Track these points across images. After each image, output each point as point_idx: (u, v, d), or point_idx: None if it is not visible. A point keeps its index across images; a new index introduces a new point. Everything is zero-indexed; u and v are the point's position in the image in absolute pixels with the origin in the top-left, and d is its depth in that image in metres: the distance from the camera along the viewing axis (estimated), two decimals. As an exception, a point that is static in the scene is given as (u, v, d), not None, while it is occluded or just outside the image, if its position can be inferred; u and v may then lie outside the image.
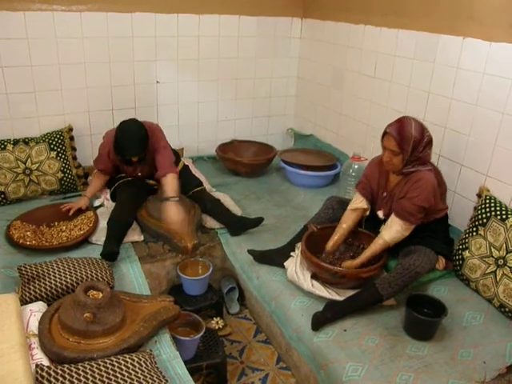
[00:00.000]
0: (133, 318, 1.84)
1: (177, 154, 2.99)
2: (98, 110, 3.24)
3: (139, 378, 1.53)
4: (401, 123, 2.17)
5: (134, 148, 2.55)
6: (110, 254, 2.35)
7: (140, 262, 2.44)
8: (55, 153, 2.96)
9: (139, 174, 2.82)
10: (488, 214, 2.26)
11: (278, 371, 2.32)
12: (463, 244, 2.34)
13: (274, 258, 2.47)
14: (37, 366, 1.53)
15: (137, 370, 1.57)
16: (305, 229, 2.49)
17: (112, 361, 1.59)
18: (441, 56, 2.61)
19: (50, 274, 2.01)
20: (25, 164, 2.86)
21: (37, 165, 2.89)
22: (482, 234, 2.26)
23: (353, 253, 2.42)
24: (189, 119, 3.66)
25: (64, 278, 1.99)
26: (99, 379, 1.50)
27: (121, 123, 2.61)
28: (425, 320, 1.96)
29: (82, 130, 3.22)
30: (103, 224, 2.60)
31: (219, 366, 2.18)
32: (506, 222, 2.17)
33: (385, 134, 2.21)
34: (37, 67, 2.95)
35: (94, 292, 1.80)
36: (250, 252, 2.51)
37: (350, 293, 2.17)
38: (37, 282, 1.98)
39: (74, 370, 1.53)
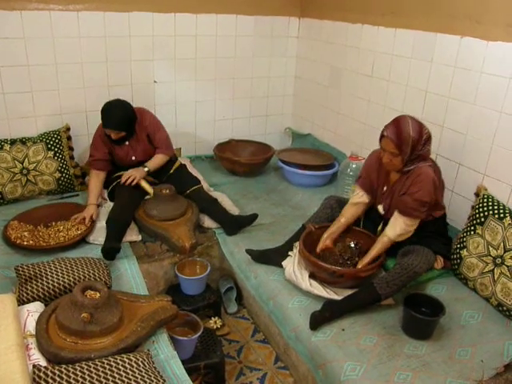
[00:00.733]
0: (130, 318, 1.83)
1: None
2: (96, 109, 3.20)
3: (137, 378, 1.53)
4: (398, 124, 2.14)
5: (113, 121, 2.66)
6: (111, 249, 2.34)
7: (138, 262, 2.43)
8: (52, 152, 2.95)
9: (133, 158, 2.83)
10: (486, 213, 2.26)
11: (276, 371, 2.32)
12: (461, 243, 2.34)
13: (272, 257, 2.47)
14: (34, 366, 1.52)
15: (134, 370, 1.56)
16: (303, 228, 2.49)
17: (109, 361, 1.59)
18: (438, 55, 2.61)
19: (47, 274, 2.00)
20: (22, 164, 2.85)
21: (34, 165, 2.89)
22: (480, 232, 2.26)
23: (351, 254, 2.41)
24: (186, 119, 3.65)
25: (61, 278, 1.99)
26: (97, 379, 1.50)
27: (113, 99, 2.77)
28: (423, 319, 1.96)
29: (80, 130, 3.21)
30: (100, 224, 2.59)
31: (217, 366, 2.18)
32: (504, 220, 2.17)
33: (382, 136, 2.18)
34: (34, 67, 2.94)
35: (92, 292, 1.79)
36: (248, 251, 2.50)
37: (348, 292, 2.16)
38: (34, 282, 1.97)
39: (72, 370, 1.52)
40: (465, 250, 2.31)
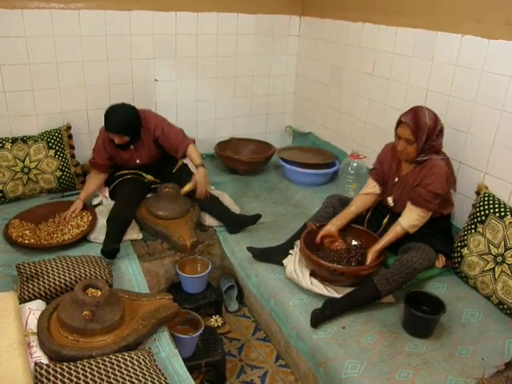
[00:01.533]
0: (132, 316, 1.84)
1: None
2: (97, 108, 3.23)
3: (138, 375, 1.53)
4: (415, 112, 2.19)
5: (116, 126, 2.59)
6: (111, 251, 2.35)
7: (139, 260, 2.44)
8: (53, 151, 2.95)
9: (137, 161, 2.82)
10: (486, 212, 2.26)
11: (277, 369, 2.33)
12: (462, 241, 2.34)
13: (273, 255, 2.47)
14: (36, 364, 1.53)
15: (136, 367, 1.56)
16: (304, 227, 2.49)
17: (111, 359, 1.59)
18: (439, 53, 2.61)
19: (48, 273, 2.01)
20: (23, 162, 2.86)
21: (35, 163, 2.89)
22: (481, 231, 2.26)
23: (354, 253, 2.40)
24: (187, 117, 3.65)
25: (63, 277, 1.99)
26: (98, 377, 1.50)
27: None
28: (423, 317, 1.97)
29: (81, 129, 3.21)
30: (102, 222, 2.60)
31: (218, 364, 2.19)
32: (505, 219, 2.17)
33: (400, 123, 2.22)
34: (35, 65, 2.94)
35: (93, 290, 1.80)
36: (249, 249, 2.51)
37: (349, 290, 2.17)
38: (35, 280, 1.97)
39: (73, 368, 1.53)
40: (465, 248, 2.31)
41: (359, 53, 3.23)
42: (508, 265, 2.09)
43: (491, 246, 2.19)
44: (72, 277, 2.00)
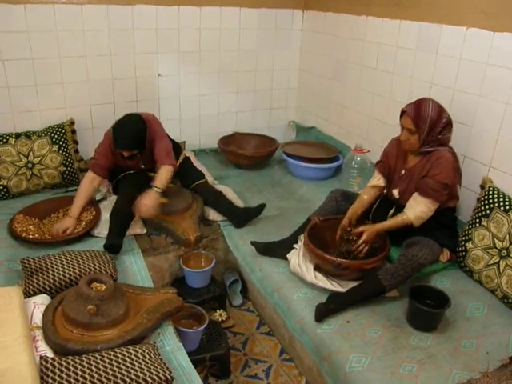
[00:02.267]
0: (136, 310, 1.84)
1: (178, 146, 2.98)
2: (100, 103, 3.24)
3: (143, 369, 1.53)
4: (419, 103, 2.20)
5: (126, 143, 2.53)
6: (113, 246, 2.35)
7: (143, 255, 2.44)
8: (57, 146, 2.96)
9: (143, 166, 2.81)
10: (491, 206, 2.25)
11: (282, 363, 2.33)
12: (466, 235, 2.33)
13: (277, 249, 2.47)
14: (41, 357, 1.53)
15: (140, 361, 1.57)
16: (308, 221, 2.49)
17: (116, 352, 1.59)
18: (443, 47, 2.60)
19: (53, 267, 2.01)
20: (27, 158, 2.86)
21: (39, 158, 2.89)
22: (486, 225, 2.25)
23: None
24: (190, 112, 3.65)
25: (67, 271, 2.00)
26: (103, 371, 1.50)
27: (123, 116, 2.60)
28: (428, 311, 1.96)
29: (84, 124, 3.21)
30: (105, 217, 2.59)
31: (222, 358, 2.20)
32: (510, 213, 2.16)
33: (402, 112, 2.24)
34: (38, 60, 2.94)
35: (98, 284, 1.80)
36: (253, 244, 2.51)
37: (353, 285, 2.17)
38: (40, 274, 1.98)
39: (78, 361, 1.53)
40: (470, 242, 2.30)
41: (362, 46, 3.22)
42: (513, 259, 2.09)
43: (496, 240, 2.18)
44: (76, 271, 2.00)
